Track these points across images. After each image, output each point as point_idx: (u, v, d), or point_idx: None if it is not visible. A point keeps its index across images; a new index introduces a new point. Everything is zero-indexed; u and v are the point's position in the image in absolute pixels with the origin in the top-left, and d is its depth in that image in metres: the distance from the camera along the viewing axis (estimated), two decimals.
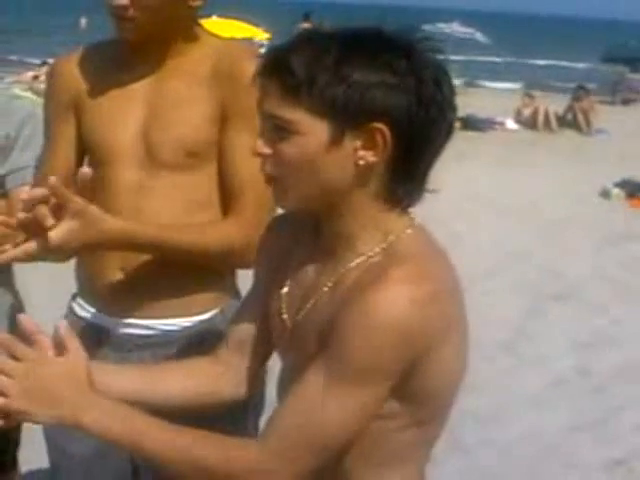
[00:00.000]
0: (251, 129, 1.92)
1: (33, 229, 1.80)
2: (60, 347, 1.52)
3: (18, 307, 2.60)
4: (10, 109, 2.51)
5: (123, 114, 2.14)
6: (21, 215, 1.77)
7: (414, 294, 1.43)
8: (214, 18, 21.24)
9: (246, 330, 1.74)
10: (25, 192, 1.84)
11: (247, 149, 1.68)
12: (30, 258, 1.84)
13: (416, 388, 1.50)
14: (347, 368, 1.45)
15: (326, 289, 1.55)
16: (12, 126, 2.46)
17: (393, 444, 1.56)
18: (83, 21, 26.46)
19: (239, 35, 20.57)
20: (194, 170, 2.12)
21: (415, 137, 1.46)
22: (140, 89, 2.15)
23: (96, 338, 2.20)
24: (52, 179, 1.76)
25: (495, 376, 5.42)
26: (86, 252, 2.02)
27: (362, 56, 1.43)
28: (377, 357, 1.44)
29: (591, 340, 6.27)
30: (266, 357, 1.78)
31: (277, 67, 1.46)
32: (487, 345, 5.81)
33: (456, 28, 27.90)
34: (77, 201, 1.81)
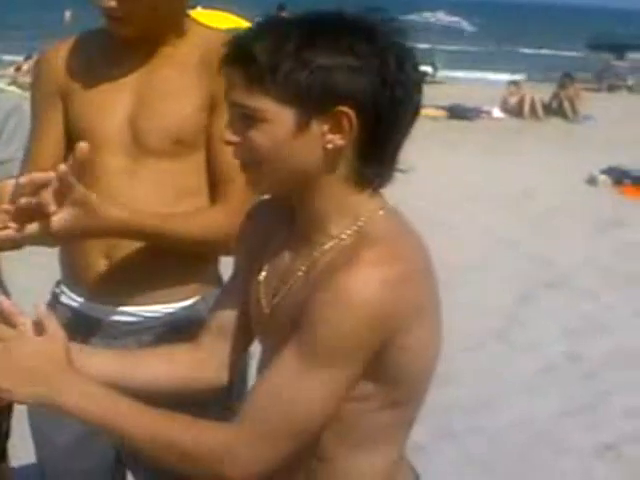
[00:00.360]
0: None
1: (29, 215, 1.79)
2: (39, 327, 1.53)
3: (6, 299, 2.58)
4: None
5: (111, 102, 2.14)
6: (23, 200, 1.76)
7: (385, 275, 1.43)
8: (199, 9, 21.21)
9: (227, 316, 1.74)
10: (26, 176, 1.82)
11: None
12: (27, 242, 1.85)
13: (390, 369, 1.49)
14: (318, 350, 1.45)
15: (300, 273, 1.56)
16: None
17: (369, 426, 1.56)
18: (67, 14, 26.31)
19: (223, 26, 20.53)
20: (181, 157, 2.12)
21: (381, 119, 1.46)
22: (129, 78, 2.14)
23: (80, 325, 2.19)
24: (61, 167, 1.76)
25: (487, 363, 5.43)
26: (82, 239, 2.03)
27: (324, 40, 1.43)
28: (348, 338, 1.44)
29: (582, 326, 6.29)
30: (247, 343, 1.77)
31: (240, 56, 1.47)
32: (479, 333, 5.83)
33: (441, 17, 27.94)
34: (80, 190, 1.82)
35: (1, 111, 2.45)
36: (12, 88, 16.91)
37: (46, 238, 1.85)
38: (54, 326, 1.54)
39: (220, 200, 2.12)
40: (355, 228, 1.52)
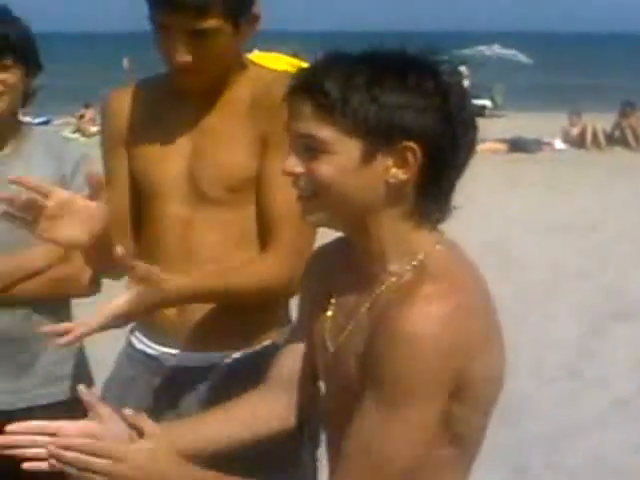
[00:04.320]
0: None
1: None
2: (136, 429, 1.58)
3: (78, 347, 2.61)
4: (64, 151, 2.55)
5: (170, 151, 2.17)
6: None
7: (443, 309, 1.44)
8: (256, 52, 21.41)
9: (294, 361, 1.76)
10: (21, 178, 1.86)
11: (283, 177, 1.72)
12: (97, 330, 1.89)
13: (455, 403, 1.48)
14: (392, 392, 1.44)
15: (364, 310, 1.56)
16: (67, 168, 2.49)
17: (432, 462, 1.53)
18: (126, 61, 26.71)
19: (281, 68, 20.72)
20: (237, 205, 2.13)
21: (442, 155, 1.49)
22: (186, 126, 2.16)
23: (154, 371, 2.23)
24: (119, 249, 1.82)
25: (559, 399, 5.35)
26: (149, 314, 2.06)
27: (391, 78, 1.47)
28: (417, 376, 1.43)
29: None
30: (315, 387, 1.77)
31: (309, 88, 1.49)
32: (550, 368, 5.75)
33: (497, 50, 27.86)
34: (142, 267, 1.85)
35: (71, 160, 2.51)
36: (76, 136, 17.25)
37: (117, 321, 1.90)
38: (149, 424, 1.59)
39: (271, 243, 2.11)
40: (414, 264, 1.53)
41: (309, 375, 1.74)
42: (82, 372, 2.58)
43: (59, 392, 2.51)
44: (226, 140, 2.12)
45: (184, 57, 2.03)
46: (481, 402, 1.52)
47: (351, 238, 1.60)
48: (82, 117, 19.75)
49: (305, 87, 1.50)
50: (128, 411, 1.60)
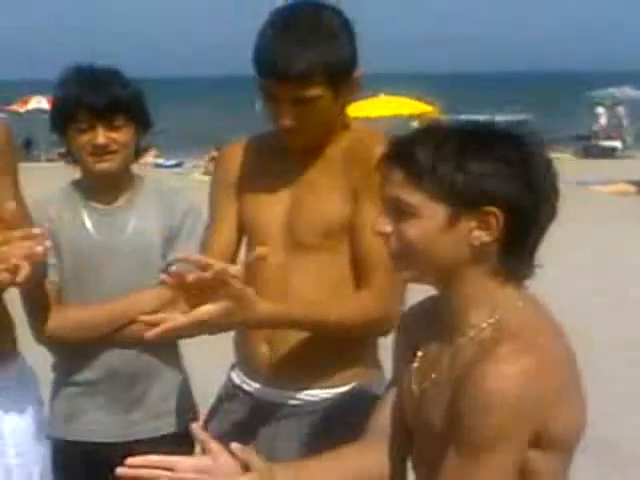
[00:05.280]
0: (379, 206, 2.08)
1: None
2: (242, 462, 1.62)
3: (184, 383, 2.76)
4: (174, 202, 2.70)
5: (270, 200, 2.34)
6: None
7: (519, 368, 1.52)
8: (382, 95, 21.63)
9: (389, 415, 1.83)
10: (184, 255, 2.06)
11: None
12: (184, 328, 1.98)
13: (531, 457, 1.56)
14: (471, 442, 1.53)
15: (445, 362, 1.67)
16: (175, 219, 2.65)
17: None
18: (259, 104, 27.20)
19: (405, 112, 20.99)
20: (331, 251, 2.27)
21: (523, 218, 1.59)
22: (287, 178, 2.32)
23: (250, 405, 2.37)
24: (218, 265, 1.93)
25: None
26: (236, 328, 2.22)
27: (478, 147, 1.58)
28: (494, 431, 1.51)
29: None
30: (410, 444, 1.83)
31: (402, 155, 1.61)
32: None
33: (628, 92, 27.42)
34: (238, 285, 1.96)
35: (179, 210, 2.66)
36: (207, 178, 17.62)
37: (201, 326, 1.98)
38: (255, 460, 1.63)
39: (366, 286, 2.23)
40: (493, 320, 1.62)
41: (399, 425, 1.82)
42: (188, 406, 2.72)
43: (165, 426, 2.64)
44: (322, 192, 2.28)
45: (288, 122, 2.19)
46: (558, 454, 1.60)
47: (440, 292, 1.70)
48: (213, 159, 20.15)
49: (398, 155, 1.62)
50: (236, 446, 1.63)
